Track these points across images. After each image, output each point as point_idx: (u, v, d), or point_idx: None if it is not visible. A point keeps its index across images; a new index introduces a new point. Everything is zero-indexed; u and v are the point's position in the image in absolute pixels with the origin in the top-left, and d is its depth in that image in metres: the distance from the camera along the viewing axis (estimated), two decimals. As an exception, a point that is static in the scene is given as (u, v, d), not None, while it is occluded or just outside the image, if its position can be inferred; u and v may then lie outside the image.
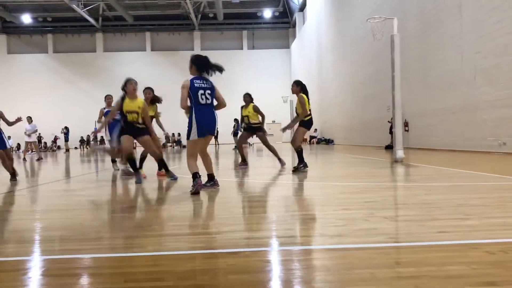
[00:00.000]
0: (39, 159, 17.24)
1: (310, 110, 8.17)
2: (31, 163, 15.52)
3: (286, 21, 45.66)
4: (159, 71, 42.32)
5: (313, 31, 35.13)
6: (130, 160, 7.06)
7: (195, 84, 5.42)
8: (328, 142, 31.40)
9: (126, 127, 6.97)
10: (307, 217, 3.81)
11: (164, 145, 30.95)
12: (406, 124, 17.67)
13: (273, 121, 41.05)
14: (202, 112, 5.43)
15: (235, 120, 26.30)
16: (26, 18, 39.96)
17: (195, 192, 5.21)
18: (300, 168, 8.07)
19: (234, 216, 3.92)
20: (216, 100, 5.65)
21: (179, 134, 36.85)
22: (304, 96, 8.07)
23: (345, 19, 26.47)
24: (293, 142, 8.39)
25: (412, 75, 17.04)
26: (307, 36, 37.66)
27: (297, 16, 41.53)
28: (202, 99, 5.43)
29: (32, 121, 18.17)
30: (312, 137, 33.48)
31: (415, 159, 10.60)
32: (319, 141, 32.88)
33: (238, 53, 45.02)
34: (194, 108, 5.40)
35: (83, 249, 2.81)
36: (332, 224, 3.34)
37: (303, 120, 8.11)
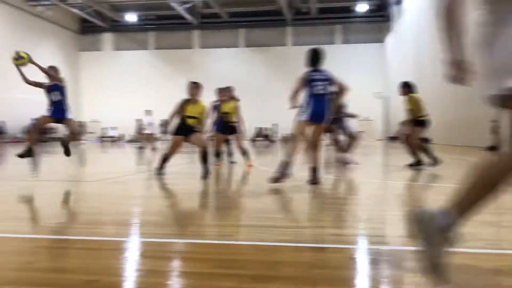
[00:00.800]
0: (153, 148, 18.43)
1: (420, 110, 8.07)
2: (139, 153, 16.61)
3: (381, 15, 44.11)
4: (251, 67, 43.11)
5: (411, 24, 33.56)
6: (164, 159, 6.87)
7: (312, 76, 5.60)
8: (426, 141, 29.93)
9: (183, 127, 6.88)
10: (399, 217, 3.66)
11: (254, 140, 31.57)
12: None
13: (366, 118, 39.96)
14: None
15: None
16: (132, 17, 42.80)
17: (314, 182, 5.36)
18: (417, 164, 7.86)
19: (323, 211, 3.88)
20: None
21: (268, 129, 37.36)
22: (415, 95, 8.01)
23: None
24: (407, 140, 8.14)
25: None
26: (404, 29, 36.05)
27: (393, 8, 39.91)
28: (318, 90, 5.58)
29: (151, 114, 19.30)
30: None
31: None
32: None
33: (330, 48, 44.28)
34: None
35: (176, 234, 2.96)
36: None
37: (417, 120, 7.96)
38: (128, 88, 44.74)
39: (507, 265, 2.28)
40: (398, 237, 2.95)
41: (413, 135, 7.99)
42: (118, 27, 45.98)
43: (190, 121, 6.88)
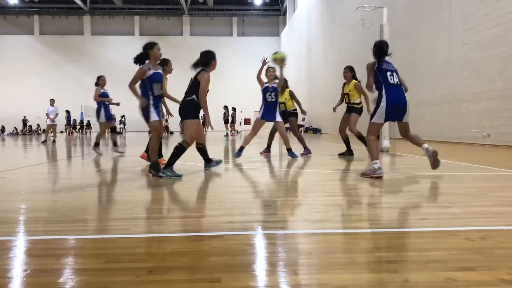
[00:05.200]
0: (52, 141, 17.46)
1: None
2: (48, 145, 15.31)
3: (276, 9, 45.41)
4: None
5: (304, 19, 35.02)
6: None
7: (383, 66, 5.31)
8: (316, 131, 31.49)
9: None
10: (292, 203, 3.83)
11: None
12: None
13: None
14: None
15: (225, 107, 26.26)
16: (12, -1, 39.14)
17: (378, 176, 5.08)
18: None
19: (219, 200, 3.92)
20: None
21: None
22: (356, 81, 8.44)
23: (336, 7, 26.40)
24: (350, 130, 8.59)
25: (400, 65, 17.04)
26: (297, 24, 37.52)
27: (288, 3, 41.31)
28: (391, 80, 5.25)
29: (54, 103, 17.72)
30: (300, 126, 33.55)
31: (400, 149, 10.69)
32: (307, 130, 32.98)
33: (228, 40, 44.68)
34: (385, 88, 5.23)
35: (66, 230, 2.80)
36: (316, 210, 3.37)
37: (357, 107, 8.63)
38: (9, 75, 40.94)
39: (386, 242, 2.51)
40: (293, 221, 3.10)
41: (354, 123, 8.66)
42: (-3, 9, 41.81)
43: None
